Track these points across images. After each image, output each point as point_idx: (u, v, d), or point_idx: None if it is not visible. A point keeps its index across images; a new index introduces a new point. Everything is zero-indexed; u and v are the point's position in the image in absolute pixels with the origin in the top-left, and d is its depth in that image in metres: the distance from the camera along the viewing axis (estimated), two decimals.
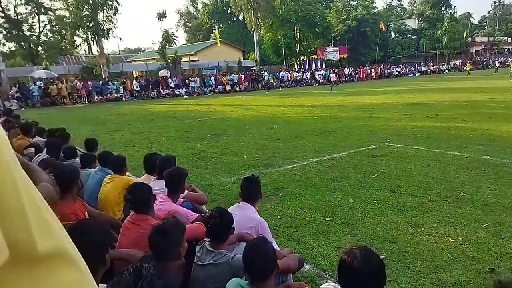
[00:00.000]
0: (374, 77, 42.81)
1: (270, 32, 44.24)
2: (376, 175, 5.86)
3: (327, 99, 20.14)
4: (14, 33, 36.73)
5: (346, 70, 42.51)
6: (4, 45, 37.85)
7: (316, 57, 45.63)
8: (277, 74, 38.63)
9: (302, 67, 43.26)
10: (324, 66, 43.10)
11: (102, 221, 1.96)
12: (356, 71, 42.91)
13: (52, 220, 0.50)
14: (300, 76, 39.42)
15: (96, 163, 4.57)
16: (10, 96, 24.84)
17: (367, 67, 45.16)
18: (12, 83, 26.50)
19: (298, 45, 45.37)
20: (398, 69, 46.69)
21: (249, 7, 40.39)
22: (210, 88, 32.63)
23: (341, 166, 6.48)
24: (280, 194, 5.18)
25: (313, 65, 43.34)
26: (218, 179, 6.02)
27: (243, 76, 35.49)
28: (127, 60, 48.24)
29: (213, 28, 55.50)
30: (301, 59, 45.54)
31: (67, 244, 0.50)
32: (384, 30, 49.17)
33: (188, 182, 4.80)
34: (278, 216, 4.44)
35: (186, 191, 3.77)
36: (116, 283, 1.20)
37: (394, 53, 56.20)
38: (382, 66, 46.89)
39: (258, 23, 41.75)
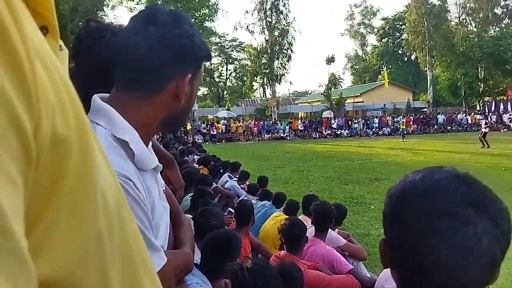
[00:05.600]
0: None
1: (447, 71, 40.28)
2: None
3: None
4: (207, 79, 44.67)
5: None
6: (199, 89, 46.43)
7: (505, 98, 38.77)
8: (454, 116, 34.50)
9: (487, 109, 37.33)
10: None
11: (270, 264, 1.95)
12: None
13: None
14: (483, 119, 34.12)
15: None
16: (197, 132, 29.79)
17: None
18: (201, 121, 31.79)
19: (482, 84, 39.74)
20: None
21: (424, 46, 38.05)
22: (373, 129, 31.59)
23: None
24: None
25: (501, 106, 36.84)
26: (377, 230, 5.52)
27: (412, 118, 33.09)
28: (295, 102, 51.62)
29: (381, 69, 54.26)
30: (486, 100, 39.49)
31: None
32: None
33: (344, 229, 4.58)
34: None
35: (345, 241, 3.54)
36: None
37: None
38: None
39: (433, 62, 38.76)
